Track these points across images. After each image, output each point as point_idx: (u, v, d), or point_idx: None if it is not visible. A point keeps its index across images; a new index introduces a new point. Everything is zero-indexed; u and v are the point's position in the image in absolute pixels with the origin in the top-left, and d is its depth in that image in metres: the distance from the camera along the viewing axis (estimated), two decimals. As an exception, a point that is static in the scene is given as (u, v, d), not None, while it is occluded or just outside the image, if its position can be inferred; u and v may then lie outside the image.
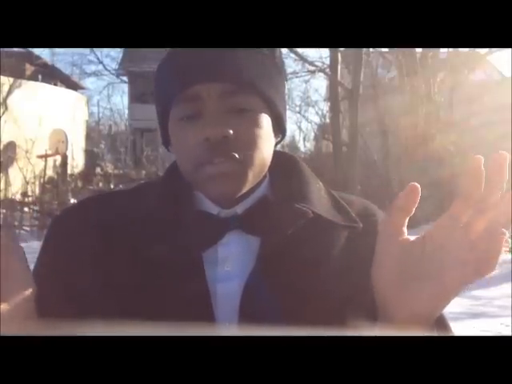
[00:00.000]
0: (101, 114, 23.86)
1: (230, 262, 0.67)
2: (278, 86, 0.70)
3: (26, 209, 9.73)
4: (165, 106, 0.68)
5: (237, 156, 0.64)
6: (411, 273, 0.56)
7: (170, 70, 0.68)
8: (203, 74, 0.64)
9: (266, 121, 0.67)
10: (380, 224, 0.59)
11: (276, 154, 0.73)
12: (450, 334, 0.67)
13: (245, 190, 0.66)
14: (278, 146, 0.75)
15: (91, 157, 16.41)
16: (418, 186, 0.56)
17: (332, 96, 11.11)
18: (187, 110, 0.65)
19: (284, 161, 0.76)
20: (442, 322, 0.65)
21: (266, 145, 0.67)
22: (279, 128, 0.72)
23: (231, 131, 0.63)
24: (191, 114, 0.65)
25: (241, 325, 0.63)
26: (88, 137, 17.71)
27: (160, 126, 0.71)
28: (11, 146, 12.07)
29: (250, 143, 0.65)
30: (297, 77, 13.60)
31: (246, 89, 0.65)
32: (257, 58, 0.67)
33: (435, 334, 0.58)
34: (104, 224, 0.68)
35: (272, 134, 0.69)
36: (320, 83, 17.88)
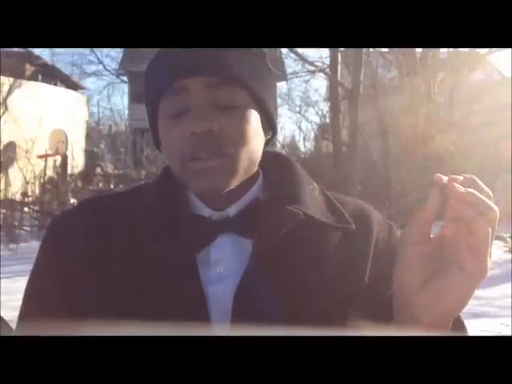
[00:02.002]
0: (101, 114, 23.88)
1: (223, 264, 0.67)
2: (268, 86, 0.70)
3: (26, 209, 9.72)
4: (154, 100, 0.68)
5: (224, 151, 0.64)
6: (434, 272, 0.56)
7: (158, 68, 0.68)
8: (191, 68, 0.64)
9: (254, 117, 0.67)
10: (405, 232, 0.58)
11: (270, 154, 0.73)
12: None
13: (233, 185, 0.66)
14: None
15: (91, 157, 16.39)
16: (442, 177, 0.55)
17: (332, 96, 11.09)
18: (175, 106, 0.65)
19: (277, 162, 0.75)
20: (459, 324, 0.65)
21: (255, 140, 0.67)
22: (269, 125, 0.71)
23: (217, 125, 0.63)
24: (179, 111, 0.65)
25: (233, 325, 0.62)
26: (88, 137, 17.69)
27: (150, 126, 0.71)
28: (11, 146, 12.04)
29: (237, 138, 0.65)
30: (297, 77, 13.53)
31: (235, 83, 0.65)
32: (249, 58, 0.67)
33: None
34: (101, 225, 0.68)
35: (261, 131, 0.69)
36: (320, 83, 17.84)
